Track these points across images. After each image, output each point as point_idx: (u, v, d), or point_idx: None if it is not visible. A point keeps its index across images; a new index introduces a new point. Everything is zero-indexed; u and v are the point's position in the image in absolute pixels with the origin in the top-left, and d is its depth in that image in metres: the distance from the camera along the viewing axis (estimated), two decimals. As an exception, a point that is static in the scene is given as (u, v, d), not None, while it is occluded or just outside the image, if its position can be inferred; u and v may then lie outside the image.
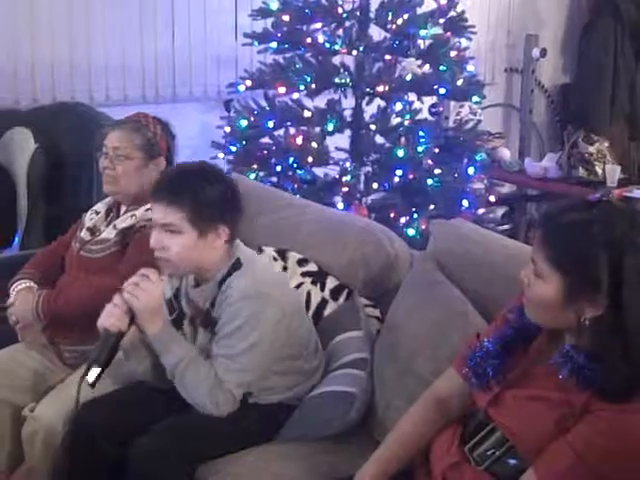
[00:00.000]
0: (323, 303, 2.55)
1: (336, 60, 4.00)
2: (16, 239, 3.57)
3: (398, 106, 4.00)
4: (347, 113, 4.03)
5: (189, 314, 2.27)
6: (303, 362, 2.29)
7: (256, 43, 4.07)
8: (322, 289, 2.57)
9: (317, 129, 3.97)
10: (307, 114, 3.94)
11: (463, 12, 4.09)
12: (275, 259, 2.65)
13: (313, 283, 2.59)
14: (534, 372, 1.66)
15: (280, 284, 2.29)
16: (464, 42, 4.16)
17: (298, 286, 2.58)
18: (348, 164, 3.99)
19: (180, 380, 2.12)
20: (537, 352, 1.69)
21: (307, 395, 2.29)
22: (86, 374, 2.02)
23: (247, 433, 2.19)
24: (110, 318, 2.07)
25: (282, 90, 3.94)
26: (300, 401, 2.29)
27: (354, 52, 3.95)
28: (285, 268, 2.63)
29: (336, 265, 2.61)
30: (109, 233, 2.56)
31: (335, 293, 2.56)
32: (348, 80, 3.93)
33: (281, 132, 4.05)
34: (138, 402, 2.26)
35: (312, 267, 2.62)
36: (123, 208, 2.63)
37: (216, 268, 2.18)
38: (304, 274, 2.61)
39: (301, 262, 2.64)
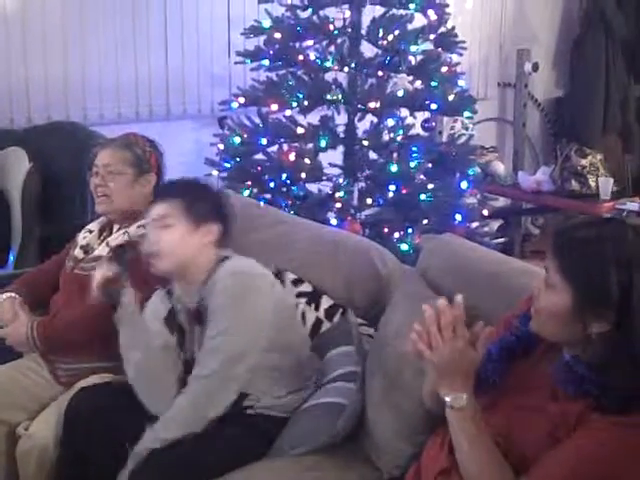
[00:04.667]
0: (318, 323, 2.55)
1: (328, 77, 4.02)
2: (10, 258, 3.58)
3: (390, 122, 4.02)
4: (340, 129, 4.05)
5: (186, 323, 2.29)
6: (296, 363, 2.29)
7: (249, 61, 4.10)
8: (317, 309, 2.58)
9: (310, 145, 3.98)
10: (300, 131, 3.96)
11: (453, 28, 4.12)
12: None
13: (308, 303, 2.59)
14: (531, 380, 1.67)
15: (268, 274, 2.30)
16: (455, 57, 4.19)
17: (293, 306, 2.60)
18: (341, 180, 4.01)
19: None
20: (536, 361, 1.69)
21: (299, 408, 2.29)
22: None
23: (241, 450, 2.17)
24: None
25: (275, 107, 3.96)
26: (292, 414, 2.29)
27: (346, 69, 3.97)
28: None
29: (329, 285, 2.61)
30: (102, 250, 2.58)
31: (329, 312, 2.57)
32: (340, 96, 3.95)
33: (274, 149, 4.07)
34: (129, 409, 2.23)
35: (307, 287, 2.63)
36: (116, 226, 2.65)
37: (202, 269, 2.22)
38: (299, 295, 2.61)
39: (296, 282, 2.64)
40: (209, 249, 2.24)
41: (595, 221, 1.63)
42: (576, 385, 1.56)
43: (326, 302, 2.59)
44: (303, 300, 2.60)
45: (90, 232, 2.72)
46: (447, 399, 1.63)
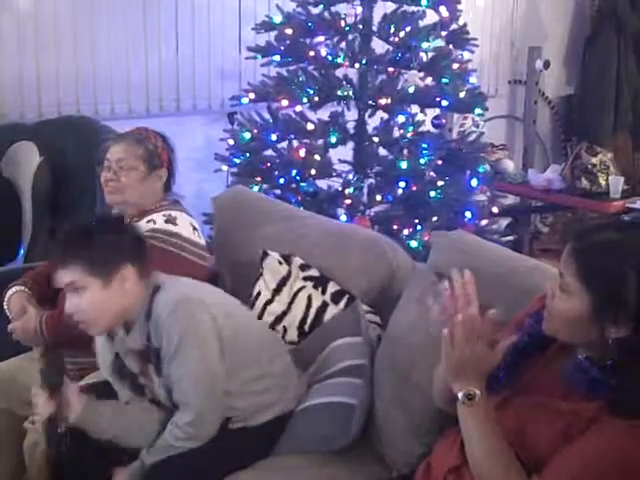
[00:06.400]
0: (323, 306, 2.55)
1: (339, 73, 4.02)
2: (21, 252, 3.59)
3: (401, 118, 4.02)
4: (350, 125, 4.05)
5: (136, 366, 2.17)
6: (265, 369, 2.22)
7: (259, 56, 4.10)
8: (323, 292, 2.58)
9: (320, 141, 3.99)
10: (310, 127, 3.96)
11: (465, 25, 4.11)
12: (280, 263, 2.66)
13: (314, 287, 2.59)
14: (544, 380, 1.66)
15: (199, 288, 2.21)
16: (466, 54, 4.18)
17: (299, 290, 2.59)
18: (351, 176, 4.01)
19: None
20: (550, 360, 1.68)
21: (302, 404, 2.26)
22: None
23: (243, 456, 2.15)
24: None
25: (285, 103, 3.96)
26: (292, 412, 2.26)
27: (357, 65, 3.97)
28: (289, 272, 2.65)
29: (338, 274, 2.61)
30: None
31: (336, 297, 2.56)
32: (351, 93, 3.95)
33: (284, 145, 4.07)
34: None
35: (314, 272, 2.63)
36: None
37: (138, 310, 2.09)
38: (306, 278, 2.62)
39: (304, 267, 2.65)
40: (134, 289, 2.07)
41: (613, 224, 1.59)
42: (588, 387, 1.55)
43: (333, 287, 2.59)
44: (310, 284, 2.60)
45: (100, 226, 2.71)
46: (460, 395, 1.63)
